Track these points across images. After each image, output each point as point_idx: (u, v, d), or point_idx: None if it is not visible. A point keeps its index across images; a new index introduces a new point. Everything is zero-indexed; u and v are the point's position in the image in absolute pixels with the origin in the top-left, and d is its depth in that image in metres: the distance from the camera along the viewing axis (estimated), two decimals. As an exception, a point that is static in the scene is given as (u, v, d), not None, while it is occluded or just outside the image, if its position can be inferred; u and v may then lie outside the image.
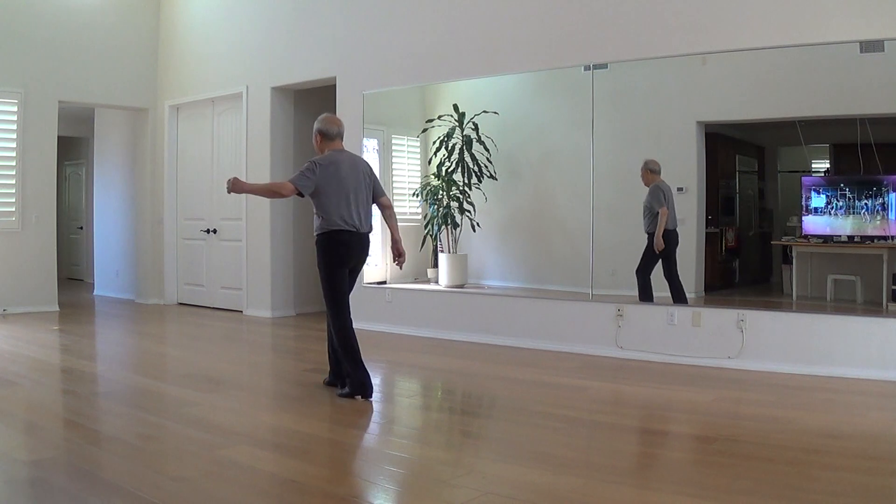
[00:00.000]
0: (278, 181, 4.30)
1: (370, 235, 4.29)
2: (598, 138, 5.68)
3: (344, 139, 4.33)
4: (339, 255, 4.16)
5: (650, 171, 5.59)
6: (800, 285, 5.55)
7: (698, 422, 3.71)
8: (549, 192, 6.71)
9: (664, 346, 5.18)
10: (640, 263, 5.61)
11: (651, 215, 5.57)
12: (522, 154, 6.79)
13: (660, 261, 5.56)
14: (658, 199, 5.52)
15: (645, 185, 5.61)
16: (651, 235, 5.56)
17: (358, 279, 4.51)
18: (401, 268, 4.37)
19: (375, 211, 4.39)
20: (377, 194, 4.34)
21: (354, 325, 4.23)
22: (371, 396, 4.15)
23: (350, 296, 4.28)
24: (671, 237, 5.57)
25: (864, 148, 5.18)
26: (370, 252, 4.38)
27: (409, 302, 6.62)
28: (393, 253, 4.42)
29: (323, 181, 4.10)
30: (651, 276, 5.58)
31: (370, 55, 6.85)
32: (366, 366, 4.18)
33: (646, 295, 5.52)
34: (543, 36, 5.80)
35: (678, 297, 5.43)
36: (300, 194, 4.13)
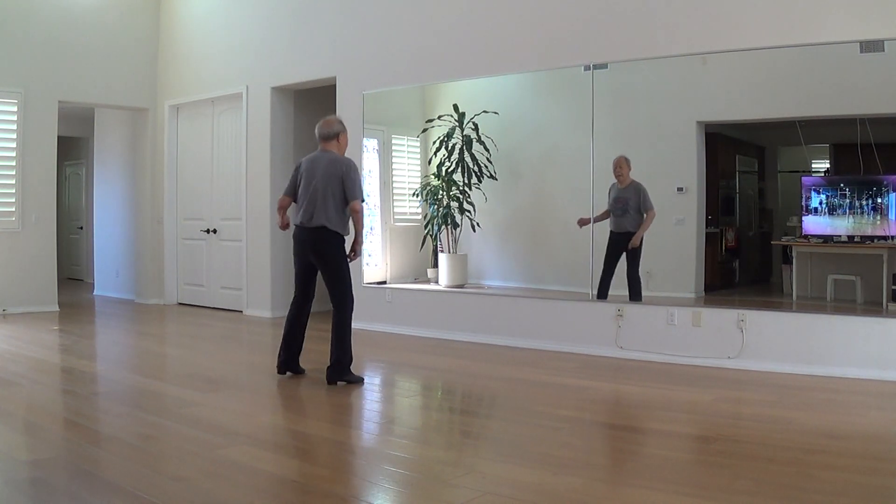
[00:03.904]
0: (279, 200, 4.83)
1: (325, 230, 4.46)
2: (598, 138, 5.68)
3: (328, 140, 4.58)
4: (293, 247, 4.66)
5: (630, 168, 5.65)
6: (800, 285, 5.55)
7: (698, 422, 3.71)
8: (549, 192, 6.71)
9: (664, 346, 5.18)
10: (630, 264, 5.64)
11: (637, 214, 5.62)
12: (522, 154, 6.79)
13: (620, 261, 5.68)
14: (649, 199, 5.59)
15: (620, 181, 5.67)
16: (629, 235, 5.63)
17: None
18: (350, 259, 4.61)
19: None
20: (347, 197, 4.45)
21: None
22: (281, 373, 4.65)
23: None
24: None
25: (864, 148, 5.18)
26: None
27: (409, 302, 6.62)
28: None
29: (297, 179, 4.58)
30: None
31: (370, 55, 6.85)
32: (283, 350, 4.66)
33: (638, 294, 5.58)
34: (543, 36, 5.80)
35: (637, 296, 5.55)
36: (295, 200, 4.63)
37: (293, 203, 4.66)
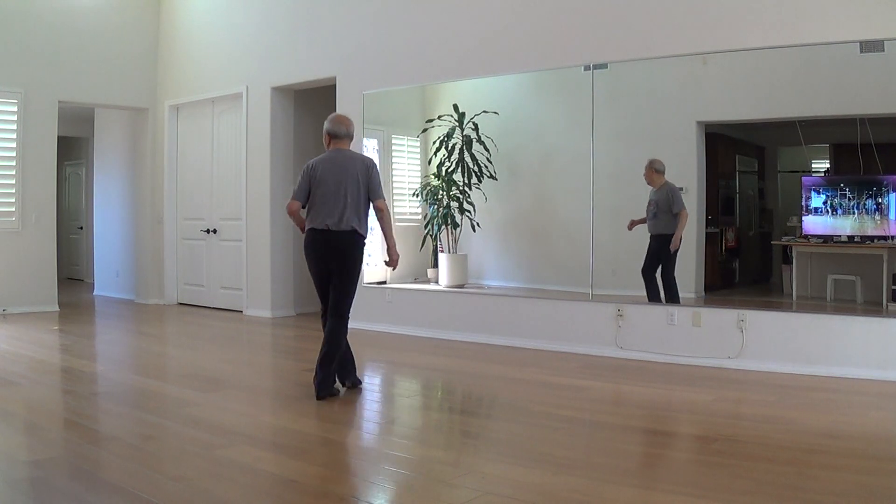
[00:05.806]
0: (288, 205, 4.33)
1: (355, 235, 4.16)
2: (598, 138, 5.68)
3: (345, 138, 4.25)
4: (308, 253, 4.24)
5: (656, 172, 5.58)
6: (800, 285, 5.55)
7: (698, 422, 3.71)
8: (549, 192, 6.71)
9: (664, 346, 5.18)
10: (646, 263, 5.59)
11: (668, 216, 5.53)
12: (522, 154, 6.79)
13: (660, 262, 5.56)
14: (679, 201, 5.50)
15: (650, 184, 5.61)
16: (660, 237, 5.55)
17: (359, 280, 4.43)
18: (393, 268, 4.32)
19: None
20: (370, 196, 4.22)
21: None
22: (319, 398, 4.06)
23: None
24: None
25: (864, 148, 5.18)
26: (364, 252, 4.28)
27: (409, 302, 6.61)
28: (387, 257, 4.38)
29: (313, 182, 4.17)
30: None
31: (370, 55, 6.85)
32: (323, 369, 4.12)
33: (654, 295, 5.50)
34: (543, 36, 5.80)
35: (673, 297, 5.43)
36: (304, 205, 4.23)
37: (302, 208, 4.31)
